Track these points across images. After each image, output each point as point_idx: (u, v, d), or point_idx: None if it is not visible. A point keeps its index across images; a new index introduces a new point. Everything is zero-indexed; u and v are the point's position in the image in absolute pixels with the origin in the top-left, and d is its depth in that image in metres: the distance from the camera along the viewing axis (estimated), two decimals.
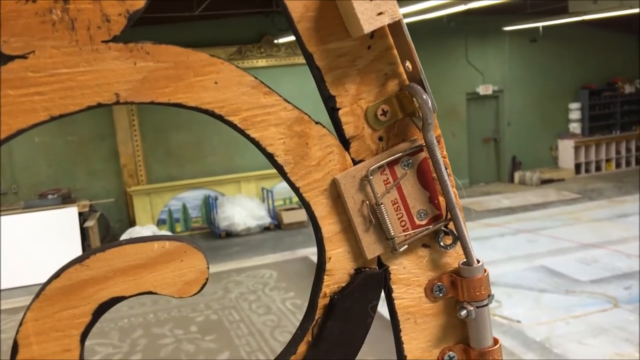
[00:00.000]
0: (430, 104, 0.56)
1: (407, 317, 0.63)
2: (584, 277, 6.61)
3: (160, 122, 9.91)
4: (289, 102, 0.56)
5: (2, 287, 7.90)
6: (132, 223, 9.82)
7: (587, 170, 12.43)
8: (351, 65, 0.57)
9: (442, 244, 0.62)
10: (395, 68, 0.59)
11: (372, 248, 0.60)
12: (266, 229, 9.82)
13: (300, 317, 0.62)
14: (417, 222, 0.61)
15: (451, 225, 0.62)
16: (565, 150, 12.38)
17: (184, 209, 10.02)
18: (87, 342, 0.55)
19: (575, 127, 12.46)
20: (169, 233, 9.66)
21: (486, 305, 0.61)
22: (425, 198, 0.61)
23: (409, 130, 0.60)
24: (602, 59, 12.16)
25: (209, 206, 10.02)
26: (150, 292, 0.55)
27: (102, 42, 0.50)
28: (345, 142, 0.59)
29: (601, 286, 6.31)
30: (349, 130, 0.58)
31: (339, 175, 0.58)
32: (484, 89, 11.70)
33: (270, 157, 0.57)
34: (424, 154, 0.60)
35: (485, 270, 0.62)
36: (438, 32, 10.81)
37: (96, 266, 0.53)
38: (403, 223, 0.60)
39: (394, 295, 0.63)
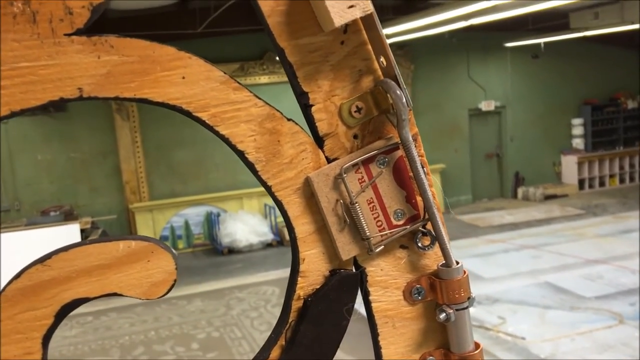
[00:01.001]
0: (404, 100, 0.55)
1: (385, 320, 0.61)
2: (589, 294, 6.54)
3: (163, 139, 9.93)
4: (259, 98, 0.55)
5: None
6: None
7: (590, 186, 12.38)
8: (324, 61, 0.56)
9: (420, 244, 0.61)
10: (369, 64, 0.57)
11: (347, 249, 0.58)
12: (268, 245, 9.78)
13: None
14: (394, 222, 0.59)
15: (429, 226, 0.60)
16: (569, 166, 12.34)
17: (186, 225, 10.01)
18: None
19: (578, 143, 12.42)
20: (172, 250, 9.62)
21: (466, 308, 0.59)
22: (402, 197, 0.59)
23: (384, 128, 0.59)
24: (604, 74, 12.16)
25: (211, 223, 10.00)
26: (115, 294, 0.53)
27: (65, 35, 0.48)
28: (319, 140, 0.58)
29: (606, 302, 6.24)
30: (322, 128, 0.57)
31: (312, 173, 0.57)
32: (486, 105, 11.70)
33: (240, 154, 0.55)
34: (400, 152, 0.58)
35: (464, 272, 0.60)
36: (440, 48, 10.84)
37: (58, 266, 0.51)
38: (379, 223, 0.58)
39: (371, 298, 0.61)
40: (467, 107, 11.65)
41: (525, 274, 7.48)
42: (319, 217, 0.58)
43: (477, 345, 0.61)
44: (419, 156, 0.58)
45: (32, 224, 8.72)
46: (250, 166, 0.55)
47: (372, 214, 0.58)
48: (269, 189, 0.56)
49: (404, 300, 0.61)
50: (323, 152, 0.57)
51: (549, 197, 11.70)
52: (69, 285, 0.51)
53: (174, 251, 0.54)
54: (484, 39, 11.05)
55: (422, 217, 0.60)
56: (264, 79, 9.92)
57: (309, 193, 0.57)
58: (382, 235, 0.58)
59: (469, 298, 0.59)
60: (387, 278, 0.61)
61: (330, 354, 0.58)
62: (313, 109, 0.56)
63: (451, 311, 0.59)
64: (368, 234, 0.57)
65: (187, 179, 10.14)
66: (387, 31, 8.00)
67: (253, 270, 8.59)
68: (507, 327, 5.91)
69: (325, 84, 0.56)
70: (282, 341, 0.58)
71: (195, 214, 10.03)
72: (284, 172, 0.56)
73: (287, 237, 0.60)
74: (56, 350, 6.37)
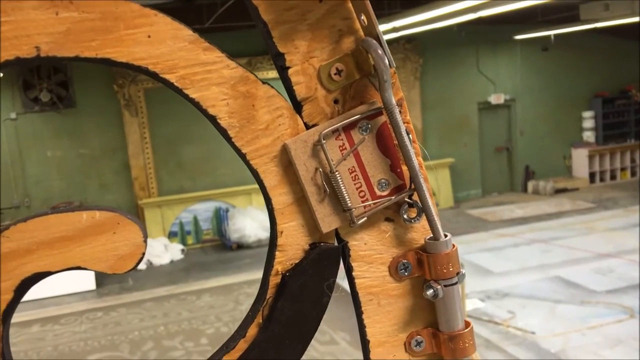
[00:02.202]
0: (386, 60, 0.51)
1: (370, 298, 0.58)
2: (600, 288, 6.48)
3: (172, 135, 9.94)
4: (232, 60, 0.52)
5: None
6: None
7: (601, 180, 12.26)
8: (301, 19, 0.52)
9: (405, 216, 0.57)
10: (350, 23, 0.54)
11: (327, 220, 0.55)
12: None
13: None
14: (378, 192, 0.55)
15: (416, 197, 0.57)
16: (579, 159, 12.22)
17: (195, 221, 10.01)
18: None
19: (589, 136, 12.30)
20: (181, 246, 9.66)
21: (455, 284, 0.56)
22: (386, 166, 0.55)
23: (367, 93, 0.55)
24: (615, 66, 12.02)
25: (220, 218, 10.00)
26: (79, 268, 0.50)
27: None
28: (296, 105, 0.54)
29: (617, 296, 6.18)
30: (300, 92, 0.54)
31: (289, 140, 0.53)
32: (496, 98, 11.61)
33: (212, 120, 0.52)
34: (383, 118, 0.55)
35: (453, 246, 0.56)
36: (449, 41, 10.76)
37: (17, 238, 0.48)
38: (362, 193, 0.55)
39: (354, 274, 0.57)
40: (476, 101, 11.57)
41: (536, 268, 7.43)
42: (298, 188, 0.55)
43: (467, 324, 0.58)
44: (404, 122, 0.54)
45: None
46: (223, 132, 0.52)
47: (354, 184, 0.55)
48: (243, 157, 0.53)
49: (389, 277, 0.58)
50: (301, 117, 0.54)
51: (559, 191, 11.60)
52: (29, 258, 0.48)
53: (141, 222, 0.51)
54: (493, 32, 10.96)
55: (408, 188, 0.56)
56: (272, 74, 9.89)
57: (286, 161, 0.54)
58: (365, 207, 0.55)
59: (458, 273, 0.56)
60: (372, 253, 0.57)
61: (310, 332, 0.55)
62: (290, 71, 0.53)
63: (439, 287, 0.55)
64: (350, 204, 0.54)
65: (196, 174, 10.14)
66: (395, 24, 7.95)
67: (262, 266, 8.45)
68: (517, 321, 5.87)
69: (303, 45, 0.53)
70: (259, 319, 0.55)
71: (204, 210, 10.04)
72: (259, 139, 0.53)
73: None
74: (66, 345, 6.39)
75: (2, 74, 8.70)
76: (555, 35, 10.60)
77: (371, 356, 0.59)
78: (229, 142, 0.53)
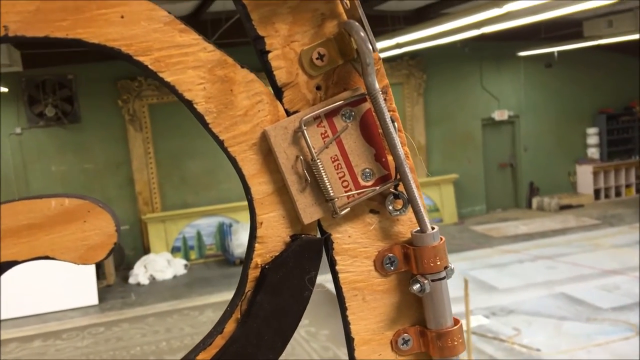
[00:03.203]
0: (369, 43, 0.49)
1: (354, 293, 0.55)
2: (605, 305, 6.41)
3: (176, 150, 9.94)
4: (209, 42, 0.50)
5: (14, 316, 7.87)
6: (146, 250, 9.79)
7: (606, 196, 12.19)
8: (282, 2, 0.50)
9: (391, 208, 0.55)
10: (333, 7, 0.52)
11: (309, 211, 0.52)
12: None
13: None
14: (362, 182, 0.53)
15: (402, 188, 0.54)
16: (584, 175, 12.17)
17: (199, 236, 9.98)
18: None
19: (593, 152, 12.25)
20: (184, 261, 9.62)
21: (443, 278, 0.53)
22: (370, 155, 0.53)
23: (351, 79, 0.53)
24: (619, 83, 12.00)
25: (223, 233, 9.96)
26: (47, 257, 0.48)
27: None
28: (277, 91, 0.52)
29: (623, 313, 6.11)
30: (280, 77, 0.52)
31: (269, 126, 0.51)
32: (500, 115, 11.59)
33: (188, 104, 0.50)
34: (367, 105, 0.53)
35: (441, 239, 0.54)
36: (452, 57, 10.79)
37: None
38: (345, 183, 0.53)
39: (338, 267, 0.55)
40: (480, 117, 11.56)
41: (541, 284, 7.37)
42: (279, 177, 0.52)
43: (455, 321, 0.55)
44: (389, 111, 0.52)
45: None
46: (200, 118, 0.50)
47: (337, 173, 0.52)
48: (221, 144, 0.51)
49: (374, 271, 0.56)
50: (282, 104, 0.52)
51: (564, 207, 11.54)
52: None
53: (113, 211, 0.49)
54: (497, 48, 10.98)
55: (393, 178, 0.54)
56: None
57: (266, 149, 0.52)
58: (348, 197, 0.53)
59: (446, 268, 0.54)
60: (356, 246, 0.55)
61: (291, 328, 0.52)
62: (270, 55, 0.51)
63: (426, 281, 0.53)
64: (332, 194, 0.52)
65: (199, 189, 10.12)
66: (398, 40, 7.96)
67: None
68: (522, 338, 5.81)
69: (284, 28, 0.51)
70: (237, 314, 0.52)
71: (207, 225, 10.01)
72: (237, 126, 0.51)
73: None
74: None
75: (7, 89, 8.74)
76: (559, 52, 10.61)
77: (356, 355, 0.56)
78: (206, 129, 0.51)
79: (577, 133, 12.20)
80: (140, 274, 9.07)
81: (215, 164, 9.94)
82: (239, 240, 9.47)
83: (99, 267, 8.77)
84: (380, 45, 8.30)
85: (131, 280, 9.05)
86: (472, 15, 6.63)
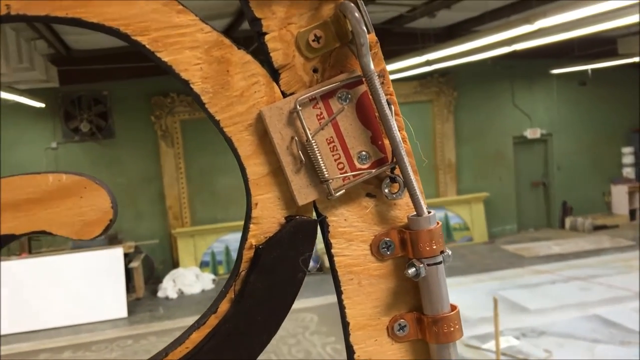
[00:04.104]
0: (363, 24, 0.50)
1: (350, 277, 0.55)
2: None
3: (206, 166, 10.06)
4: (206, 23, 0.51)
5: (48, 326, 8.00)
6: (175, 264, 9.88)
7: None
8: None
9: (387, 191, 0.55)
10: None
11: (304, 192, 0.52)
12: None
13: None
14: (358, 165, 0.53)
15: (398, 172, 0.54)
16: (619, 195, 11.90)
17: (227, 251, 10.03)
18: None
19: (628, 172, 11.99)
20: (212, 275, 9.67)
21: (439, 263, 0.53)
22: (366, 138, 0.53)
23: (348, 62, 0.54)
24: None
25: None
26: (44, 232, 0.49)
27: None
28: (274, 73, 0.53)
29: None
30: (277, 59, 0.52)
31: (264, 107, 0.52)
32: (532, 133, 11.46)
33: (185, 84, 0.51)
34: (364, 87, 0.53)
35: (437, 223, 0.53)
36: (483, 75, 10.73)
37: None
38: (340, 165, 0.53)
39: (333, 251, 0.55)
40: (511, 135, 11.43)
41: (573, 306, 7.21)
42: (274, 158, 0.53)
43: (453, 308, 0.54)
44: (386, 94, 0.52)
45: (77, 247, 8.91)
46: (196, 97, 0.51)
47: (333, 155, 0.53)
48: (217, 124, 0.52)
49: (371, 255, 0.55)
50: (279, 86, 0.53)
51: (598, 228, 11.29)
52: None
53: (109, 188, 0.50)
54: (529, 66, 10.88)
55: (390, 161, 0.54)
56: None
57: (262, 130, 0.52)
58: (343, 179, 0.53)
59: (442, 252, 0.53)
60: (352, 229, 0.55)
61: (284, 309, 0.52)
62: (267, 37, 0.52)
63: (421, 265, 0.52)
64: (327, 175, 0.52)
65: (229, 205, 10.20)
66: (428, 57, 7.96)
67: None
68: None
69: (281, 10, 0.51)
70: (231, 294, 0.53)
71: (235, 240, 10.05)
72: (233, 106, 0.52)
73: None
74: None
75: (44, 105, 8.98)
76: (593, 70, 10.46)
77: (351, 339, 0.56)
78: (202, 108, 0.51)
79: (612, 152, 11.97)
80: (169, 287, 9.15)
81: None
82: None
83: (129, 281, 8.88)
84: (410, 62, 8.30)
85: (160, 294, 9.13)
86: (503, 32, 6.59)
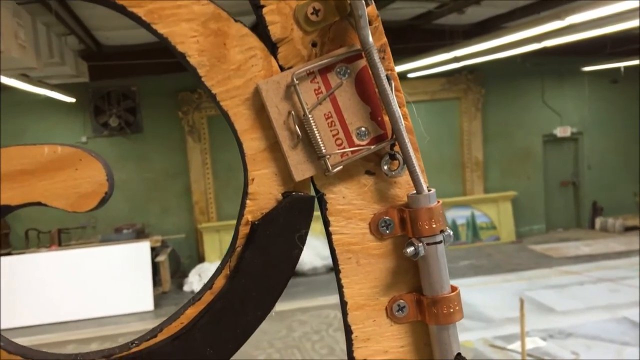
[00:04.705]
0: None
1: (348, 256, 0.54)
2: None
3: (232, 161, 10.11)
4: None
5: (76, 318, 8.14)
6: (201, 259, 9.96)
7: None
8: None
9: (386, 168, 0.53)
10: None
11: (300, 168, 0.52)
12: (332, 269, 9.70)
13: None
14: (357, 141, 0.52)
15: (398, 148, 0.53)
16: None
17: None
18: None
19: None
20: None
21: (439, 242, 0.51)
22: (365, 114, 0.52)
23: (347, 36, 0.52)
24: None
25: None
26: (39, 204, 0.49)
27: None
28: (272, 46, 0.52)
29: None
30: (275, 32, 0.51)
31: (261, 81, 0.51)
32: (562, 131, 11.26)
33: (181, 57, 0.50)
34: (363, 62, 0.52)
35: (438, 202, 0.52)
36: (512, 72, 10.58)
37: None
38: (339, 141, 0.52)
39: (331, 229, 0.54)
40: (541, 133, 11.26)
41: (602, 308, 7.08)
42: (271, 134, 0.52)
43: (453, 289, 0.53)
44: (386, 70, 0.51)
45: (105, 240, 9.05)
46: (193, 71, 0.50)
47: (331, 131, 0.52)
48: (214, 98, 0.51)
49: (370, 234, 0.54)
50: (277, 60, 0.52)
51: (629, 229, 11.06)
52: None
53: (105, 160, 0.50)
54: (560, 63, 10.70)
55: (389, 138, 0.53)
56: None
57: (259, 105, 0.52)
58: (341, 155, 0.52)
59: (442, 232, 0.52)
60: (351, 207, 0.54)
61: (279, 286, 0.52)
62: (264, 10, 0.51)
63: (420, 245, 0.51)
64: (324, 151, 0.51)
65: None
66: (456, 54, 7.88)
67: (316, 294, 8.51)
68: None
69: None
70: (227, 270, 0.52)
71: None
72: (230, 80, 0.51)
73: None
74: None
75: (74, 100, 9.13)
76: (626, 67, 10.24)
77: (349, 319, 0.55)
78: (199, 82, 0.51)
79: None
80: (194, 282, 9.23)
81: None
82: None
83: (156, 274, 8.98)
84: (437, 58, 8.22)
85: (186, 288, 9.21)
86: (533, 28, 6.49)
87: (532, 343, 6.08)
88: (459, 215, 10.74)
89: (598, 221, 11.48)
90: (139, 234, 9.29)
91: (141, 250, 8.74)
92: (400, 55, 8.50)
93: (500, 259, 9.55)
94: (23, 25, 4.75)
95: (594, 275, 8.47)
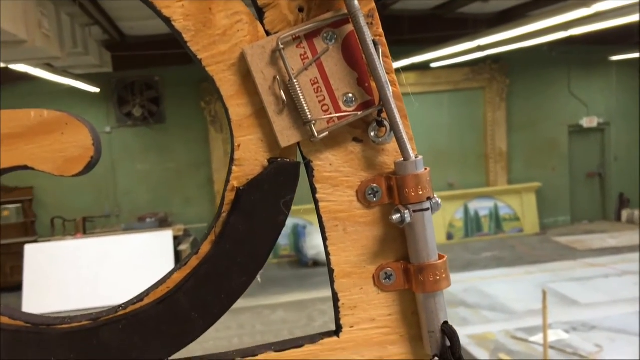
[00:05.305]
0: None
1: (335, 223, 0.54)
2: None
3: None
4: None
5: (98, 305, 8.27)
6: None
7: None
8: None
9: (373, 134, 0.53)
10: None
11: (286, 134, 0.51)
12: None
13: None
14: (343, 107, 0.52)
15: (386, 115, 0.52)
16: None
17: None
18: None
19: None
20: None
21: (426, 210, 0.51)
22: (352, 80, 0.52)
23: (334, 1, 0.52)
24: None
25: (297, 235, 10.06)
26: (26, 167, 0.49)
27: None
28: (259, 12, 0.52)
29: None
30: None
31: (247, 46, 0.51)
32: (588, 122, 11.08)
33: (167, 21, 0.50)
34: (350, 27, 0.51)
35: (425, 169, 0.51)
36: (538, 61, 10.42)
37: None
38: (325, 107, 0.51)
39: (318, 196, 0.54)
40: (566, 124, 11.09)
41: (627, 301, 6.97)
42: (258, 100, 0.52)
43: (440, 257, 0.52)
44: (375, 35, 0.51)
45: (129, 229, 9.16)
46: (178, 35, 0.50)
47: (317, 97, 0.51)
48: (199, 63, 0.51)
49: (357, 202, 0.54)
50: (263, 25, 0.51)
51: None
52: None
53: (92, 125, 0.50)
54: (587, 52, 10.51)
55: (377, 104, 0.52)
56: None
57: (245, 70, 0.51)
58: (328, 121, 0.51)
59: (429, 199, 0.51)
60: (338, 175, 0.53)
61: (264, 252, 0.52)
62: None
63: (406, 211, 0.50)
64: (310, 116, 0.50)
65: None
66: (479, 42, 7.78)
67: None
68: (604, 355, 5.52)
69: None
70: (212, 236, 0.52)
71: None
72: (216, 45, 0.51)
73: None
74: None
75: (99, 90, 9.23)
76: None
77: (335, 287, 0.54)
78: (185, 47, 0.51)
79: None
80: None
81: None
82: (313, 243, 9.53)
83: (178, 263, 9.06)
84: (460, 47, 8.13)
85: None
86: (558, 16, 6.38)
87: (555, 335, 6.02)
88: (482, 207, 10.65)
89: (624, 213, 11.30)
90: (162, 223, 9.39)
91: (164, 238, 8.84)
92: (423, 44, 8.43)
93: (523, 251, 9.46)
94: (47, 15, 4.81)
95: (619, 268, 8.35)
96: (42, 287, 8.09)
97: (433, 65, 9.86)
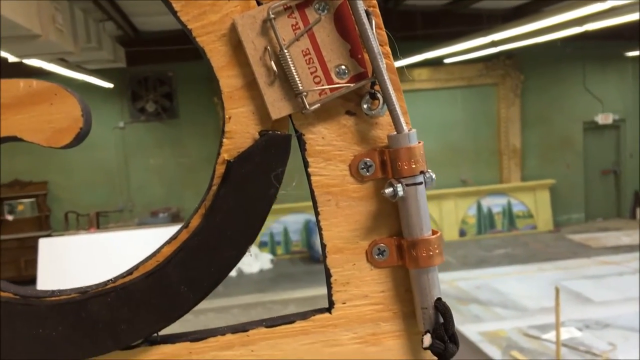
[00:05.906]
0: None
1: (327, 198, 0.53)
2: None
3: None
4: None
5: None
6: None
7: None
8: None
9: (365, 107, 0.52)
10: None
11: (277, 106, 0.51)
12: None
13: None
14: (336, 79, 0.51)
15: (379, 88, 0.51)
16: None
17: (285, 232, 10.14)
18: None
19: None
20: (271, 255, 9.81)
21: (419, 184, 0.50)
22: (345, 51, 0.51)
23: None
24: None
25: (309, 230, 10.07)
26: (16, 138, 0.49)
27: None
28: None
29: None
30: None
31: (237, 16, 0.50)
32: (603, 118, 10.97)
33: None
34: None
35: (419, 142, 0.50)
36: (552, 57, 10.33)
37: None
38: (317, 79, 0.51)
39: (310, 170, 0.53)
40: (581, 120, 10.99)
41: None
42: (249, 71, 0.51)
43: (434, 233, 0.51)
44: (368, 6, 0.50)
45: (142, 223, 9.22)
46: (168, 6, 0.50)
47: (309, 68, 0.50)
48: (189, 33, 0.50)
49: (350, 176, 0.53)
50: None
51: None
52: None
53: (80, 97, 0.49)
54: (602, 48, 10.40)
55: (370, 76, 0.51)
56: None
57: (236, 41, 0.51)
58: (320, 93, 0.50)
59: (422, 173, 0.50)
60: (330, 148, 0.53)
61: (255, 225, 0.51)
62: None
63: (399, 185, 0.50)
64: (301, 87, 0.50)
65: (287, 186, 10.23)
66: (493, 37, 7.72)
67: None
68: (618, 354, 5.47)
69: None
70: (203, 209, 0.52)
71: (294, 222, 10.14)
72: (206, 15, 0.50)
73: None
74: None
75: (112, 85, 9.29)
76: None
77: (328, 262, 0.54)
78: (175, 17, 0.50)
79: None
80: None
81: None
82: None
83: None
84: (474, 43, 8.08)
85: None
86: (572, 11, 6.32)
87: (568, 333, 5.97)
88: (495, 204, 10.59)
89: (639, 211, 11.20)
90: (175, 218, 9.43)
91: None
92: (437, 40, 8.39)
93: (537, 248, 9.39)
94: (60, 10, 4.84)
95: (634, 266, 8.27)
96: (56, 281, 8.15)
97: (446, 61, 9.80)
